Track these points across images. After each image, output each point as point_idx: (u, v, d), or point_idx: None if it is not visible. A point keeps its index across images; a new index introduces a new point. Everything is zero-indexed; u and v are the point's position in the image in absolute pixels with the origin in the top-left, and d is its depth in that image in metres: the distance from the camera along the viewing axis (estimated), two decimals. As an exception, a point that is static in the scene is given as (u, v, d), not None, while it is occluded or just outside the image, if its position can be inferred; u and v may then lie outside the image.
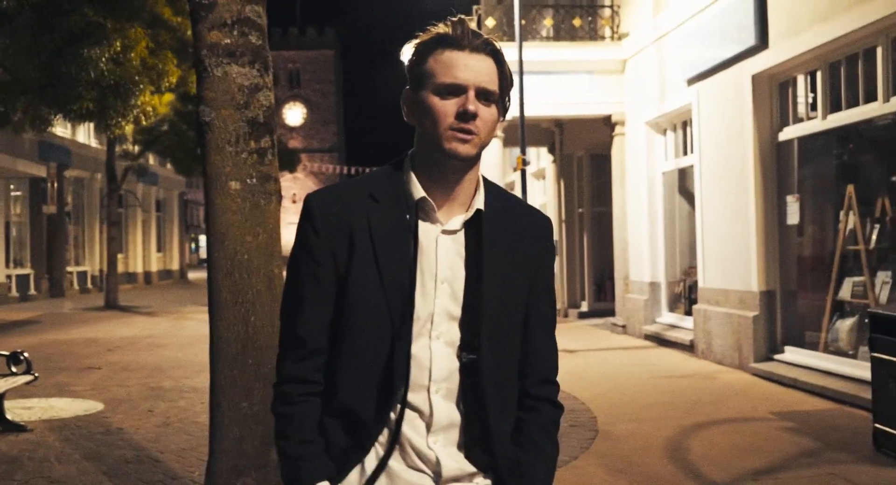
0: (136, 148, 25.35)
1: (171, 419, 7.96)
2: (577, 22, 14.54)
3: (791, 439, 6.92)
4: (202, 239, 74.24)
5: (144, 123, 12.36)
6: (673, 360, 11.52)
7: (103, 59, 10.11)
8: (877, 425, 6.44)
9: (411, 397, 1.81)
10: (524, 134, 12.91)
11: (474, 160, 1.81)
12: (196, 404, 8.64)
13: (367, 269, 1.79)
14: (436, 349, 1.82)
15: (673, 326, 13.09)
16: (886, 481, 5.76)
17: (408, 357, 1.80)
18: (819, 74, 9.12)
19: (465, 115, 1.76)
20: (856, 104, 8.55)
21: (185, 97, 18.03)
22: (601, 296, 17.57)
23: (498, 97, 1.80)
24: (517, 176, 19.65)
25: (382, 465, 1.82)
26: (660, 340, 12.95)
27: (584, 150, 17.40)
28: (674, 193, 13.33)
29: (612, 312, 15.70)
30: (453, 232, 1.86)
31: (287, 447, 1.83)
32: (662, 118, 13.12)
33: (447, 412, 1.84)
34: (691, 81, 11.57)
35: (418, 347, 1.81)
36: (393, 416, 1.82)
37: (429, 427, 1.83)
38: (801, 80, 9.64)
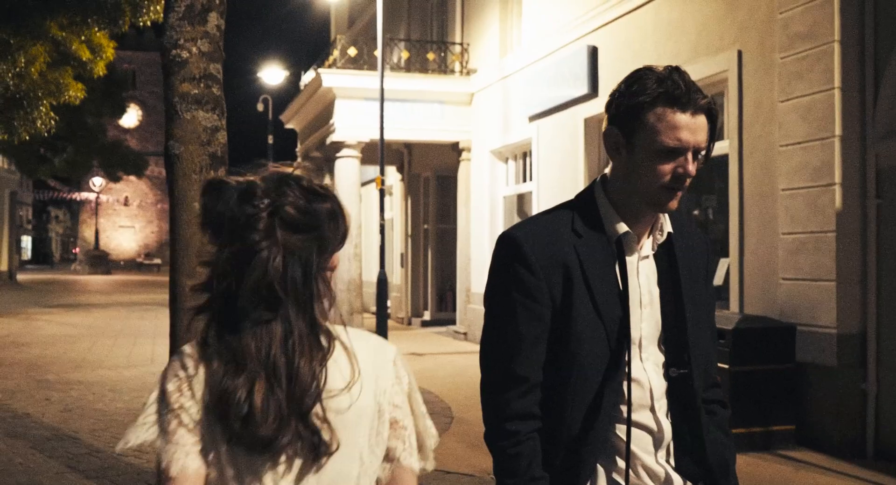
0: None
1: (71, 406, 8.73)
2: (430, 56, 15.97)
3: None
4: (25, 240, 71.15)
5: (45, 134, 12.84)
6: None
7: (10, 75, 10.69)
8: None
9: (636, 417, 1.90)
10: (383, 157, 14.17)
11: None
12: (88, 395, 9.40)
13: (584, 304, 1.87)
14: (649, 370, 1.93)
15: (508, 334, 14.58)
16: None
17: (629, 381, 1.89)
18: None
19: (683, 178, 1.84)
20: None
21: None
22: (443, 306, 18.96)
23: (707, 152, 1.88)
24: (364, 191, 20.91)
25: None
26: (496, 346, 14.40)
27: (431, 171, 18.76)
28: (513, 215, 14.89)
29: (452, 321, 17.08)
30: (646, 257, 1.97)
31: None
32: (505, 148, 14.69)
33: (667, 428, 1.94)
34: (532, 118, 13.18)
35: (635, 370, 1.91)
36: (621, 437, 1.90)
37: (657, 444, 1.93)
38: (624, 124, 11.35)
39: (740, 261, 8.51)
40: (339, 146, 15.13)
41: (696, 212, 10.66)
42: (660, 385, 1.94)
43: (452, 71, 15.94)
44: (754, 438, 7.29)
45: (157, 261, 65.80)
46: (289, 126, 19.82)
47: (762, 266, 8.20)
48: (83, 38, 11.71)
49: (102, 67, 12.91)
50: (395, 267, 20.46)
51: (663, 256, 1.99)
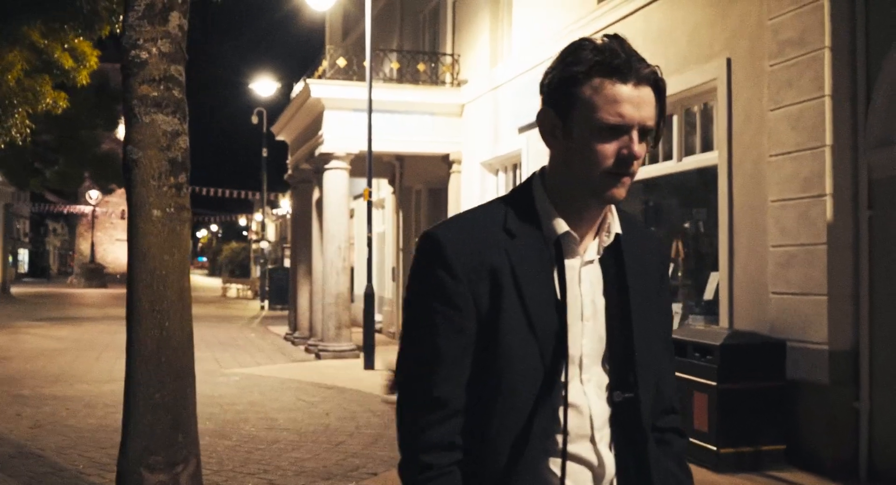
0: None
1: (41, 422, 8.48)
2: (421, 67, 15.79)
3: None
4: (22, 253, 70.92)
5: (20, 143, 12.64)
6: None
7: (-19, 82, 10.53)
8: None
9: (573, 449, 1.64)
10: (371, 169, 13.96)
11: None
12: (61, 410, 9.15)
13: (515, 314, 1.60)
14: (590, 394, 1.66)
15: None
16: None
17: (566, 406, 1.63)
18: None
19: (628, 160, 1.58)
20: (657, 161, 10.10)
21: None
22: (434, 319, 18.64)
23: (656, 132, 1.63)
24: (356, 204, 20.72)
25: None
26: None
27: (423, 183, 18.56)
28: (503, 228, 14.63)
29: (443, 336, 16.83)
30: (591, 262, 1.71)
31: None
32: (495, 160, 14.49)
33: (610, 461, 1.68)
34: (521, 130, 12.96)
35: (574, 394, 1.64)
36: (555, 472, 1.63)
37: (597, 480, 1.67)
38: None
39: (730, 275, 8.28)
40: (327, 158, 14.92)
41: (686, 225, 10.46)
42: (602, 411, 1.68)
43: (443, 82, 15.76)
44: (743, 458, 7.04)
45: (154, 274, 65.37)
46: (280, 138, 19.63)
47: (752, 280, 7.97)
48: (66, 46, 11.55)
49: (86, 76, 12.68)
50: (387, 281, 20.23)
51: (610, 260, 1.71)
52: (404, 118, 15.25)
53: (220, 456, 7.19)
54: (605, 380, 1.69)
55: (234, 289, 46.06)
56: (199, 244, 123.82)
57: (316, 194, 16.47)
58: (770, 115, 7.70)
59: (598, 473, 1.67)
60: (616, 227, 1.72)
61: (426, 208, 18.82)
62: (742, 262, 8.13)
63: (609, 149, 1.58)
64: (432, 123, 15.44)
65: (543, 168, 1.74)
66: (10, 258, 58.83)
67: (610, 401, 1.69)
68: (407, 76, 16.01)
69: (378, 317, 21.51)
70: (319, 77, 16.11)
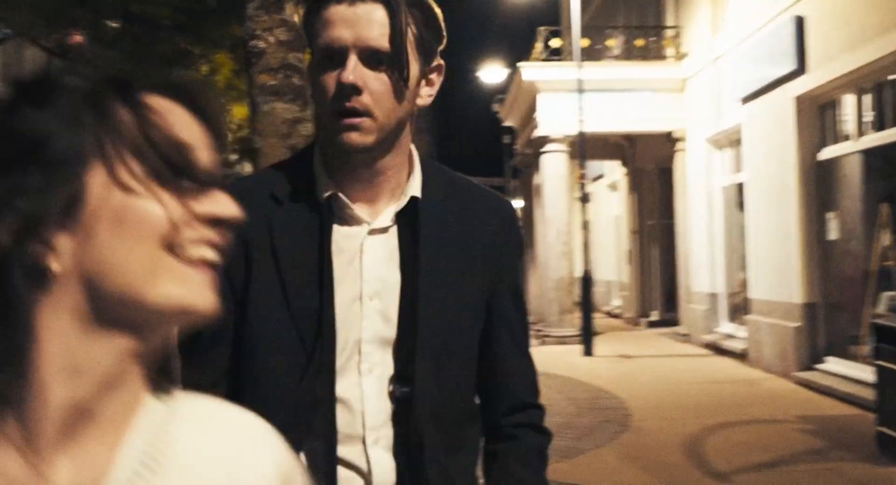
0: (234, 156, 26.65)
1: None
2: (639, 42, 15.13)
3: (804, 439, 7.43)
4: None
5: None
6: (725, 367, 11.96)
7: (193, 83, 11.11)
8: (879, 428, 6.86)
9: (341, 451, 1.41)
10: (583, 150, 13.56)
11: (380, 149, 1.41)
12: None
13: (270, 291, 1.39)
14: (368, 387, 1.43)
15: (730, 336, 13.47)
16: (878, 477, 6.25)
17: (332, 401, 1.40)
18: (854, 98, 9.56)
19: (343, 91, 1.34)
20: (887, 127, 8.97)
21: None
22: (671, 306, 17.95)
23: (394, 57, 1.35)
24: (594, 187, 20.24)
25: None
26: (717, 349, 13.36)
27: (654, 163, 17.84)
28: (732, 207, 13.74)
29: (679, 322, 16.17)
30: (383, 230, 1.46)
31: None
32: (720, 135, 13.58)
33: (390, 467, 1.44)
34: (744, 101, 12.06)
35: (345, 387, 1.41)
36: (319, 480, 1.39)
37: None
38: (839, 102, 10.07)
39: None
40: (543, 141, 14.69)
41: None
42: (382, 408, 1.43)
43: (665, 57, 15.00)
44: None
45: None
46: (507, 123, 19.63)
47: None
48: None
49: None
50: (623, 265, 19.73)
51: (408, 228, 1.47)
52: (624, 97, 14.70)
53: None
54: (391, 371, 1.45)
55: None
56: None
57: (536, 179, 16.28)
58: None
59: (367, 480, 1.44)
60: (414, 189, 1.48)
61: (657, 189, 18.09)
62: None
63: (327, 81, 1.36)
64: (653, 101, 14.79)
65: None
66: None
67: (392, 396, 1.45)
68: (635, 53, 15.42)
69: (617, 302, 21.02)
70: (539, 60, 15.88)
